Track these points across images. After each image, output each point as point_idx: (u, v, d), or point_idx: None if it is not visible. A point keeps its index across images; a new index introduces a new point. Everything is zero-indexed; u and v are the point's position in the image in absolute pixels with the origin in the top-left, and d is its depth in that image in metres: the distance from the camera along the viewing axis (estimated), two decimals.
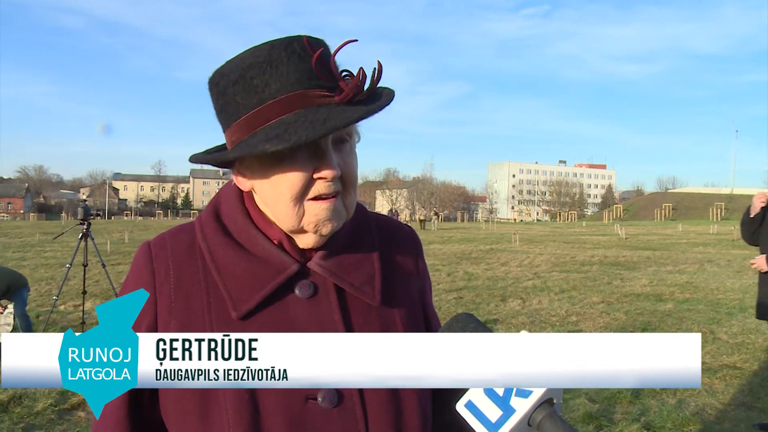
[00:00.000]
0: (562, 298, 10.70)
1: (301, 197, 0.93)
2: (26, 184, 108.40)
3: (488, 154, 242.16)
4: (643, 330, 7.97)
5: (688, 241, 25.29)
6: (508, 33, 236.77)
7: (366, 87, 0.92)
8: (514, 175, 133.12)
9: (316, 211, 0.94)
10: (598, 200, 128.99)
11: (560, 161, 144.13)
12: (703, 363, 6.20)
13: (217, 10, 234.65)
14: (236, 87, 0.91)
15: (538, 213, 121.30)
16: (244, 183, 0.99)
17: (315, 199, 0.94)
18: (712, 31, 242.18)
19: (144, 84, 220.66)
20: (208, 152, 1.05)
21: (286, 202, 0.93)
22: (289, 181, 0.92)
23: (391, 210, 73.67)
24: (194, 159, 1.03)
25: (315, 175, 0.93)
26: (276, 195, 0.94)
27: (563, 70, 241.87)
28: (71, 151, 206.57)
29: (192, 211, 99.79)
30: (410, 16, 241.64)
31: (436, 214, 59.65)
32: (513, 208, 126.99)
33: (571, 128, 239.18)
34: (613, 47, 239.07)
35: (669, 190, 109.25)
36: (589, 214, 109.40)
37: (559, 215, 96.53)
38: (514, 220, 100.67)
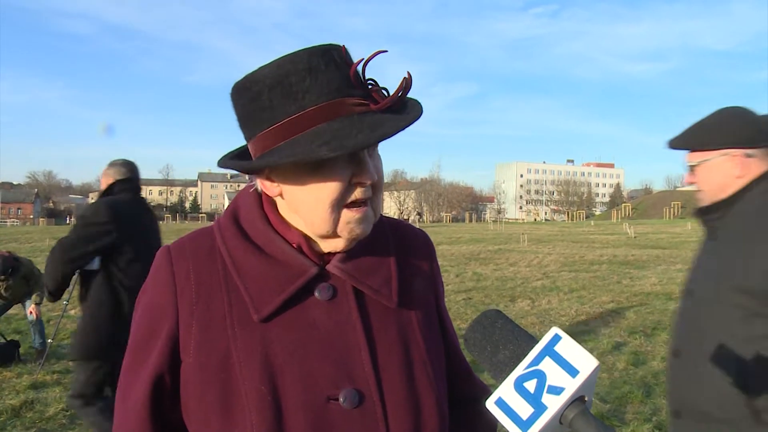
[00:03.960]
0: (572, 298, 10.66)
1: (339, 203, 0.95)
2: (36, 190, 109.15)
3: (496, 154, 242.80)
4: (654, 329, 7.93)
5: (698, 239, 25.08)
6: (517, 33, 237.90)
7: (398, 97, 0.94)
8: (521, 175, 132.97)
9: (353, 217, 0.96)
10: (607, 199, 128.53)
11: (568, 160, 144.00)
12: None
13: (226, 13, 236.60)
14: (273, 93, 0.92)
15: (546, 213, 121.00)
16: (272, 189, 0.99)
17: (350, 204, 0.96)
18: (723, 28, 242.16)
19: (152, 88, 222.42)
20: (231, 158, 1.05)
21: (325, 208, 0.94)
22: (329, 187, 0.94)
23: (401, 215, 74.27)
24: (226, 165, 1.03)
25: (353, 181, 0.95)
26: (314, 201, 0.95)
27: (572, 69, 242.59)
28: (80, 156, 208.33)
29: (200, 215, 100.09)
30: (419, 17, 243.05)
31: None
32: (521, 208, 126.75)
33: (579, 127, 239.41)
34: (623, 46, 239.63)
35: (678, 188, 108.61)
36: (597, 213, 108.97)
37: (568, 214, 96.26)
38: (534, 219, 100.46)
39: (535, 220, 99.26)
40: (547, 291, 11.54)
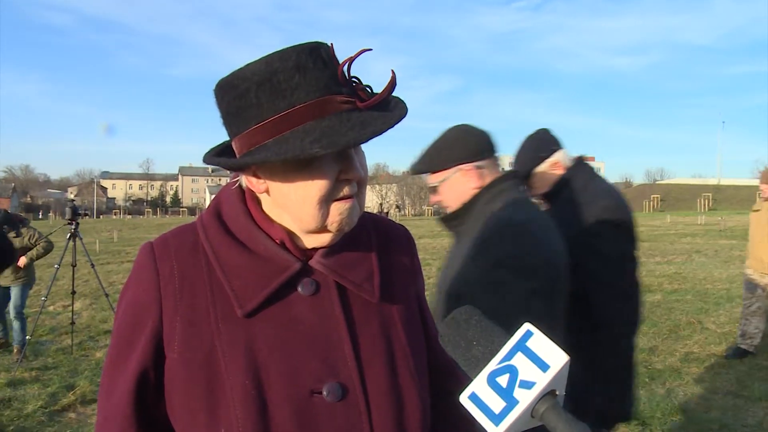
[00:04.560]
0: None
1: (327, 200, 0.96)
2: (13, 184, 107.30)
3: None
4: None
5: (676, 232, 25.45)
6: (500, 26, 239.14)
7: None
8: (503, 168, 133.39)
9: (340, 211, 0.97)
10: None
11: None
12: (691, 353, 6.32)
13: (207, 6, 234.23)
14: (261, 90, 0.91)
15: None
16: (258, 185, 1.00)
17: (338, 199, 0.97)
18: (704, 22, 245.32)
19: (132, 81, 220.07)
20: (215, 154, 1.04)
21: (313, 205, 0.95)
22: (318, 184, 0.94)
23: (381, 209, 74.41)
24: (211, 162, 1.03)
25: (340, 177, 0.96)
26: (301, 198, 0.95)
27: (554, 63, 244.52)
28: (58, 150, 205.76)
29: (181, 209, 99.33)
30: (402, 10, 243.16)
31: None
32: None
33: (561, 120, 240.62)
34: (604, 40, 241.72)
35: (657, 182, 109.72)
36: None
37: None
38: None
39: None
40: None
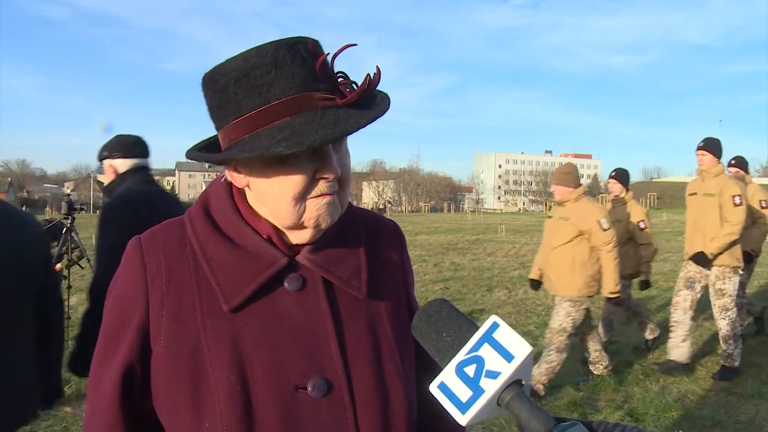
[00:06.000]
0: None
1: (303, 196, 0.96)
2: (9, 179, 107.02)
3: (474, 144, 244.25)
4: (628, 318, 8.04)
5: (672, 230, 25.48)
6: (498, 24, 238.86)
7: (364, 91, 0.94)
8: (500, 166, 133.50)
9: (317, 207, 0.97)
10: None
11: (546, 151, 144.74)
12: None
13: (204, 0, 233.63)
14: (238, 85, 0.91)
15: (524, 203, 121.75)
16: (239, 180, 1.00)
17: (315, 196, 0.96)
18: (701, 21, 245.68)
19: (129, 76, 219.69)
20: (200, 149, 1.05)
21: (288, 201, 0.95)
22: (292, 181, 0.94)
23: (376, 205, 74.62)
24: (191, 157, 1.03)
25: (317, 176, 0.95)
26: (278, 194, 0.95)
27: (552, 61, 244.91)
28: (55, 144, 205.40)
29: None
30: (399, 7, 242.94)
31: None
32: (499, 198, 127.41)
33: (558, 118, 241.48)
34: (602, 38, 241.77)
35: (654, 180, 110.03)
36: None
37: (546, 204, 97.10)
38: (518, 210, 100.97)
39: (519, 210, 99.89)
40: (524, 281, 11.62)
